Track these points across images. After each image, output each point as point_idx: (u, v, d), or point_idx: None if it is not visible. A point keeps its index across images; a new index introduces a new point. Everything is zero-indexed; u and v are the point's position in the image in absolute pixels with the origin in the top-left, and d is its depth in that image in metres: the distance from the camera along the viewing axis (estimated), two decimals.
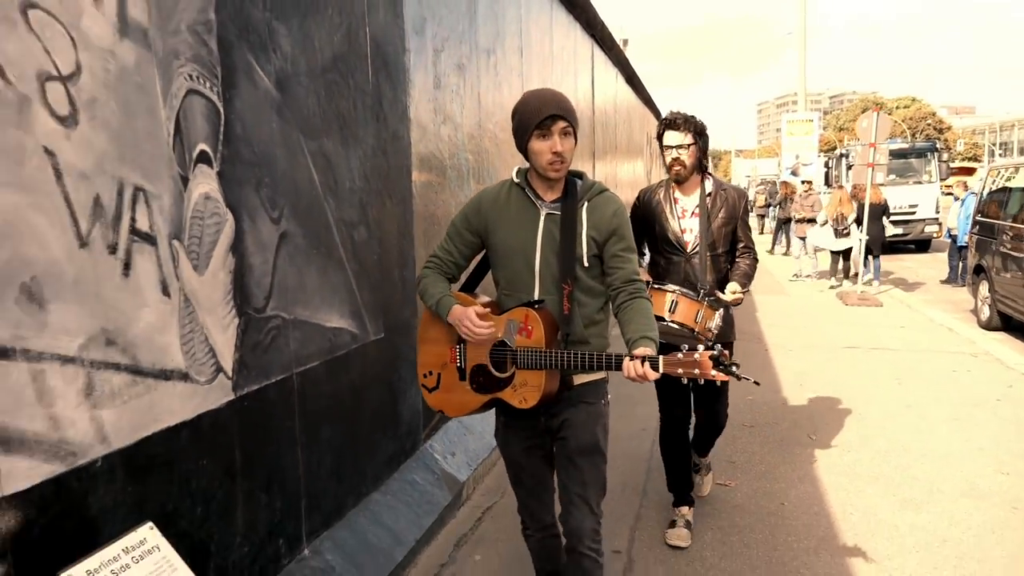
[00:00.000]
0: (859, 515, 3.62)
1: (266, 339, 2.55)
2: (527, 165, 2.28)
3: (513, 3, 5.62)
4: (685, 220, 3.35)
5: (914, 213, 16.66)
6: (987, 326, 8.51)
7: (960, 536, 3.39)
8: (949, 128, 79.86)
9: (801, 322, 8.96)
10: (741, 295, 3.27)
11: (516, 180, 2.27)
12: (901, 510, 3.67)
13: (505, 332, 2.18)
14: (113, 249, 1.90)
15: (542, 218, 2.21)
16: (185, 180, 2.15)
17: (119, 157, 1.91)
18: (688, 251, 3.32)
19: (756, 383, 2.07)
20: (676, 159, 3.28)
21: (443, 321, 2.24)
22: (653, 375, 1.95)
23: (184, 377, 2.16)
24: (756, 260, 3.46)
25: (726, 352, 1.94)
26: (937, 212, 16.57)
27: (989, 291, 8.52)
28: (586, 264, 2.19)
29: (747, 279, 3.38)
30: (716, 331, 3.19)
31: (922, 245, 17.56)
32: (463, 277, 2.45)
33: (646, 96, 16.99)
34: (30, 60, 1.67)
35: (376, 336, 3.33)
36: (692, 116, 3.30)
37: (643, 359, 1.96)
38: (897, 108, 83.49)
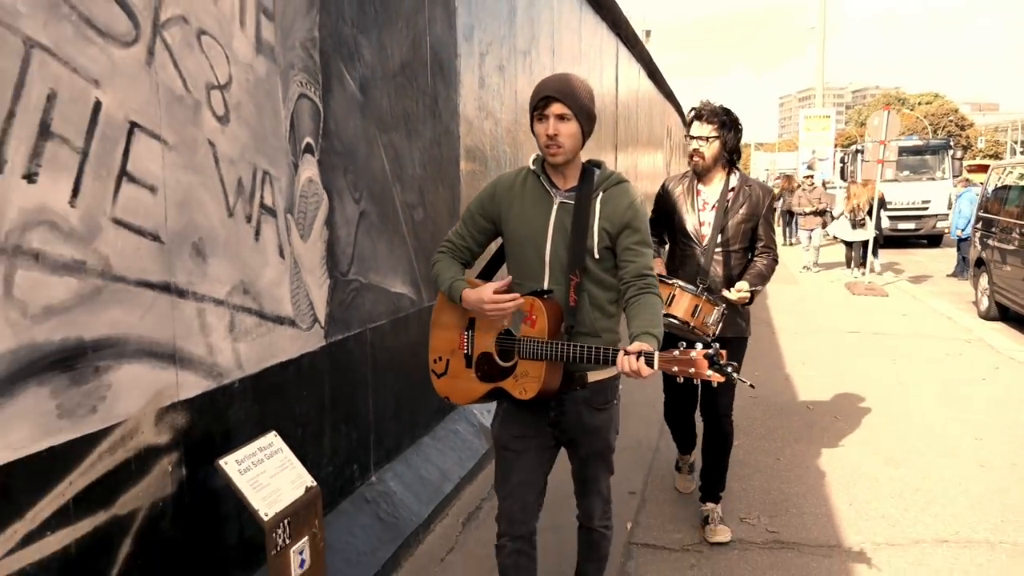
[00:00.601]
0: (845, 469, 4.13)
1: (348, 298, 3.10)
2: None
3: (547, 7, 6.13)
4: (705, 213, 3.29)
5: (926, 209, 17.02)
6: (985, 316, 8.95)
7: (931, 487, 3.90)
8: (971, 125, 79.17)
9: (809, 309, 9.43)
10: (748, 294, 3.16)
11: (532, 167, 2.24)
12: (883, 466, 4.18)
13: (511, 321, 2.15)
14: (249, 219, 2.45)
15: (555, 207, 2.17)
16: (296, 166, 2.70)
17: (255, 148, 2.46)
18: (705, 244, 3.26)
19: (751, 386, 2.06)
20: (696, 150, 3.23)
21: (455, 305, 2.23)
22: (647, 371, 1.90)
23: (292, 323, 2.71)
24: (775, 261, 3.35)
25: (723, 352, 1.90)
26: (949, 208, 16.90)
27: (988, 283, 8.96)
28: (597, 256, 2.14)
29: (760, 279, 3.26)
30: (715, 327, 3.11)
31: (934, 240, 17.92)
32: (480, 264, 2.44)
33: (667, 90, 17.41)
34: (201, 74, 2.21)
35: (430, 303, 3.88)
36: (722, 107, 3.22)
37: (638, 354, 1.90)
38: (919, 104, 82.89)
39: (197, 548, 2.27)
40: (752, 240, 3.32)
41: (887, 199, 16.08)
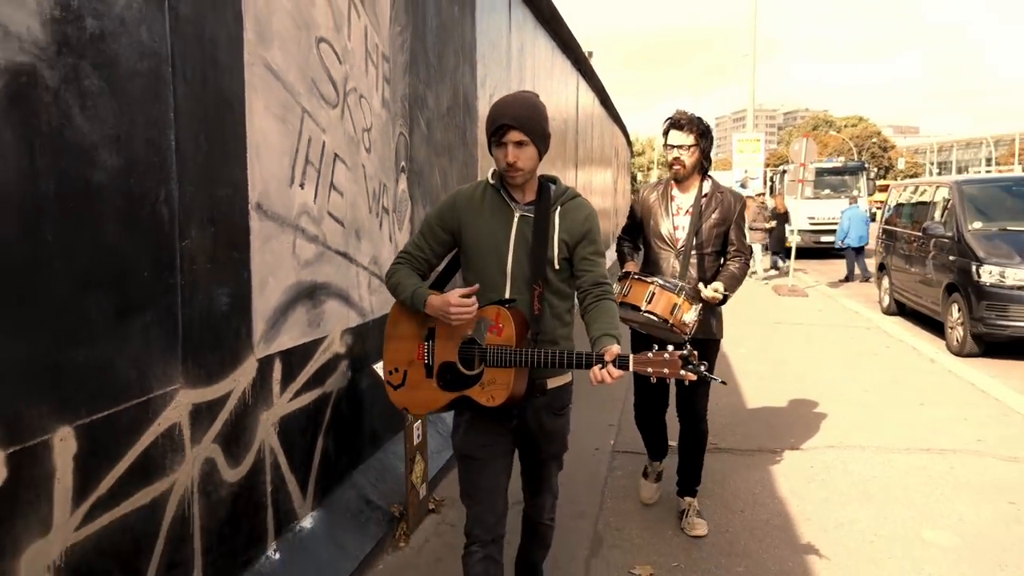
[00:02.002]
0: (762, 414, 5.57)
1: None
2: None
3: (531, 54, 7.53)
4: (679, 218, 3.42)
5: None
6: (887, 311, 10.66)
7: (827, 417, 5.37)
8: (893, 147, 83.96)
9: (742, 307, 11.01)
10: (720, 296, 3.28)
11: (491, 181, 2.28)
12: (793, 409, 5.64)
13: (475, 330, 2.17)
14: (377, 215, 3.72)
15: (516, 219, 2.22)
16: (397, 181, 3.98)
17: (380, 168, 3.74)
18: (679, 248, 3.39)
19: (723, 383, 2.11)
20: (677, 159, 3.34)
21: (412, 317, 2.26)
22: (618, 374, 1.99)
23: None
24: (747, 264, 3.49)
25: (695, 352, 1.97)
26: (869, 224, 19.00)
27: (888, 284, 10.70)
28: (556, 267, 2.22)
29: (734, 281, 3.39)
30: (692, 325, 3.17)
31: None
32: (432, 276, 2.44)
33: (615, 114, 19.10)
34: (360, 122, 3.49)
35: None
36: (697, 117, 3.35)
37: (614, 360, 1.98)
38: (845, 127, 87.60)
39: (359, 420, 3.52)
40: (724, 244, 3.46)
41: (812, 214, 18.09)
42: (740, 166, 21.83)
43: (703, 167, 3.43)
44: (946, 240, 8.55)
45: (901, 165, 73.13)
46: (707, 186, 3.43)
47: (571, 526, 3.57)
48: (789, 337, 8.48)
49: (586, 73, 12.00)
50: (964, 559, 3.29)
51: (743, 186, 20.32)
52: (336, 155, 3.22)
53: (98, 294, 1.87)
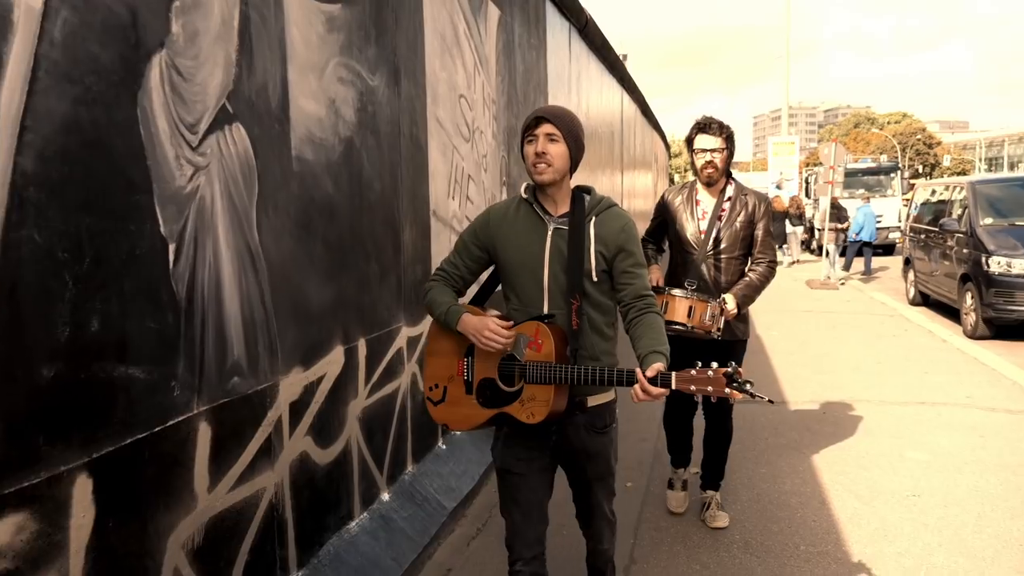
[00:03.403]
0: (787, 378, 6.72)
1: None
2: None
3: (585, 78, 8.80)
4: (705, 221, 3.47)
5: (879, 222, 19.82)
6: (912, 302, 11.63)
7: (841, 381, 6.50)
8: (939, 143, 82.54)
9: (776, 298, 12.09)
10: (734, 312, 3.33)
11: (524, 196, 2.27)
12: (813, 375, 6.78)
13: (515, 346, 2.15)
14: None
15: (550, 233, 2.20)
16: (502, 191, 5.27)
17: (492, 183, 5.04)
18: (706, 251, 3.45)
19: (771, 401, 2.07)
20: (710, 162, 3.37)
21: (452, 333, 2.22)
22: (660, 392, 1.97)
23: None
24: (772, 268, 3.49)
25: (740, 370, 1.92)
26: (899, 221, 19.76)
27: (914, 277, 11.67)
28: (595, 279, 2.19)
29: (750, 290, 3.41)
30: (714, 322, 3.24)
31: (888, 249, 20.73)
32: (471, 291, 2.44)
33: (654, 121, 20.29)
34: (483, 149, 4.78)
35: None
36: (723, 122, 3.39)
37: (656, 378, 1.97)
38: (888, 123, 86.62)
39: None
40: (750, 246, 3.48)
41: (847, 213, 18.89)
42: (776, 168, 22.78)
43: (728, 171, 3.50)
44: (961, 235, 9.55)
45: (947, 162, 71.94)
46: (731, 189, 3.49)
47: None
48: (817, 323, 9.58)
49: (629, 88, 13.24)
50: (933, 466, 4.44)
51: (779, 187, 21.29)
52: (469, 175, 4.52)
53: (374, 264, 3.19)
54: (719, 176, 3.44)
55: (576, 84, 8.20)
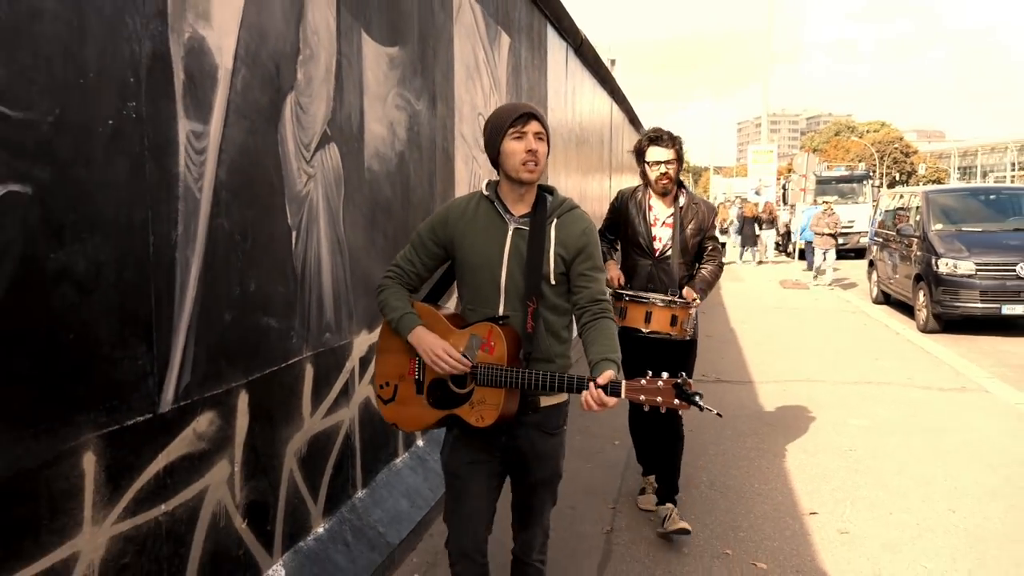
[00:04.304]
0: (754, 363, 7.58)
1: None
2: (497, 178, 2.25)
3: (579, 92, 9.64)
4: (656, 228, 3.61)
5: (852, 227, 20.89)
6: (875, 301, 12.58)
7: (804, 367, 7.37)
8: (915, 152, 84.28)
9: (749, 295, 13.03)
10: (698, 303, 3.52)
11: (485, 193, 2.21)
12: (777, 360, 7.65)
13: (467, 347, 2.11)
14: None
15: (510, 233, 2.15)
16: None
17: None
18: (656, 256, 3.58)
19: (719, 415, 2.08)
20: (664, 174, 3.49)
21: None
22: (612, 402, 1.95)
23: None
24: (720, 267, 3.74)
25: (690, 381, 1.94)
26: (870, 226, 20.83)
27: (876, 277, 12.62)
28: (552, 282, 2.15)
29: (706, 284, 3.61)
30: (692, 329, 3.50)
31: (859, 253, 21.76)
32: (426, 287, 2.40)
33: (640, 127, 21.19)
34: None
35: None
36: (672, 132, 3.51)
37: (606, 386, 1.95)
38: (867, 132, 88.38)
39: None
40: (699, 252, 3.70)
41: None
42: (755, 175, 23.82)
43: (679, 179, 3.63)
44: (915, 239, 10.49)
45: (922, 171, 73.39)
46: (682, 199, 3.62)
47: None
48: (785, 318, 10.48)
49: (618, 98, 14.11)
50: (870, 430, 5.30)
51: (757, 193, 22.28)
52: (484, 181, 5.32)
53: None
54: (672, 186, 3.58)
55: (571, 98, 9.03)
